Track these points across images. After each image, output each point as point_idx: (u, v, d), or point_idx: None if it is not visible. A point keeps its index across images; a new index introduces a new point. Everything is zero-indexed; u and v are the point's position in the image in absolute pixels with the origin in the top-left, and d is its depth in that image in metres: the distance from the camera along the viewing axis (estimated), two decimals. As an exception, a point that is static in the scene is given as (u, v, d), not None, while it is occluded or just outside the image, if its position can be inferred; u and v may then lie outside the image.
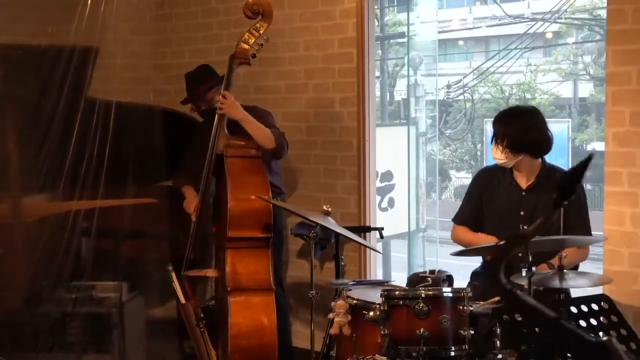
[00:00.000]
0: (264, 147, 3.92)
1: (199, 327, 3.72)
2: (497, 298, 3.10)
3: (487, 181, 3.67)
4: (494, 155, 3.54)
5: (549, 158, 3.61)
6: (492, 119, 3.65)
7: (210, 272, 4.05)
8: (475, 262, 3.76)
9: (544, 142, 3.51)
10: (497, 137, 3.50)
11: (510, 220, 3.51)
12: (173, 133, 4.35)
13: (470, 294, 2.90)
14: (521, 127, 3.48)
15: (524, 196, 3.53)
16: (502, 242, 1.65)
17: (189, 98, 4.24)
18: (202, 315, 3.76)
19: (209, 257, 4.35)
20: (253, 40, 3.80)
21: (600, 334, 2.52)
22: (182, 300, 3.74)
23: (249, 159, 3.86)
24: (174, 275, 3.74)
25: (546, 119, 3.61)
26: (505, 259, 1.72)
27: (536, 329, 2.66)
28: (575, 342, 1.50)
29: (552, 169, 3.56)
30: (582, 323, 2.47)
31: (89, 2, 3.52)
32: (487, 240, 3.48)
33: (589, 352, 1.51)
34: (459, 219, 3.72)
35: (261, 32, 3.79)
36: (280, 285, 4.22)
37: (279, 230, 4.17)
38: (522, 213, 3.50)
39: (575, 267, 3.49)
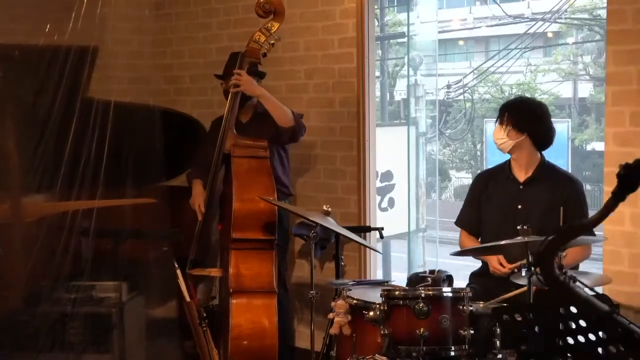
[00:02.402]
0: (283, 126, 3.90)
1: (202, 326, 3.72)
2: (502, 297, 3.11)
3: (486, 182, 3.69)
4: (496, 136, 3.56)
5: (549, 158, 3.61)
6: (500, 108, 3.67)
7: (215, 272, 4.04)
8: (476, 263, 3.77)
9: (548, 131, 3.54)
10: (503, 117, 3.53)
11: (508, 214, 3.51)
12: (173, 133, 4.34)
13: (470, 294, 2.90)
14: (528, 110, 3.54)
15: (522, 190, 3.54)
16: (553, 236, 1.58)
17: (225, 74, 4.16)
18: (204, 315, 3.76)
19: (212, 256, 4.35)
20: (264, 40, 3.79)
21: None
22: (187, 298, 3.74)
23: (256, 159, 3.84)
24: (179, 272, 3.74)
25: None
26: (558, 252, 1.67)
27: (536, 328, 2.66)
28: (628, 336, 1.46)
29: (550, 166, 3.58)
30: (582, 323, 2.46)
31: (86, 1, 3.51)
32: (490, 257, 3.49)
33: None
34: (460, 221, 3.74)
35: (272, 31, 3.79)
36: (283, 286, 4.21)
37: (284, 231, 4.16)
38: (519, 207, 3.51)
39: (575, 267, 3.49)
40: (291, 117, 3.92)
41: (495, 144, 3.61)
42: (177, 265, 3.78)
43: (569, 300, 1.97)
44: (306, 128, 4.12)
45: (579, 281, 1.97)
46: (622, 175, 1.42)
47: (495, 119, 3.63)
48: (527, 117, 3.50)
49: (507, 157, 3.67)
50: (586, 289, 1.65)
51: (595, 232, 3.59)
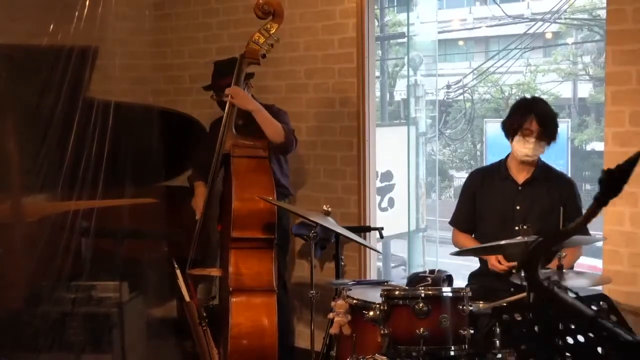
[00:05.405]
0: (273, 141, 3.91)
1: (202, 326, 3.73)
2: (502, 301, 3.11)
3: (480, 180, 3.70)
4: (520, 149, 3.47)
5: (548, 157, 3.62)
6: (515, 110, 3.55)
7: (215, 271, 4.04)
8: (475, 262, 3.77)
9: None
10: (530, 127, 3.43)
11: (506, 215, 3.52)
12: (173, 133, 4.35)
13: (470, 294, 2.90)
14: (554, 117, 3.52)
15: (520, 191, 3.55)
16: (540, 240, 1.58)
17: (212, 86, 4.19)
18: (204, 314, 3.77)
19: (212, 256, 4.35)
20: (263, 41, 3.80)
21: None
22: (187, 298, 3.75)
23: (256, 159, 3.85)
24: (179, 272, 3.75)
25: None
26: (542, 256, 1.66)
27: (535, 328, 2.66)
28: (613, 340, 1.46)
29: (547, 167, 3.60)
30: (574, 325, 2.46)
31: (87, 2, 3.52)
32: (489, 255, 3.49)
33: (626, 351, 1.48)
34: (454, 221, 3.75)
35: (272, 32, 3.79)
36: (283, 287, 4.21)
37: (284, 231, 4.16)
38: (518, 207, 3.51)
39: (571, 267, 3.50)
40: (282, 133, 3.91)
41: (517, 157, 3.51)
42: (176, 265, 3.78)
43: (554, 305, 1.97)
44: (297, 142, 4.10)
45: (563, 286, 1.99)
46: (604, 180, 1.41)
47: (498, 121, 3.60)
48: (555, 126, 3.47)
49: (503, 155, 3.67)
50: (570, 294, 1.64)
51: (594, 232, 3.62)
